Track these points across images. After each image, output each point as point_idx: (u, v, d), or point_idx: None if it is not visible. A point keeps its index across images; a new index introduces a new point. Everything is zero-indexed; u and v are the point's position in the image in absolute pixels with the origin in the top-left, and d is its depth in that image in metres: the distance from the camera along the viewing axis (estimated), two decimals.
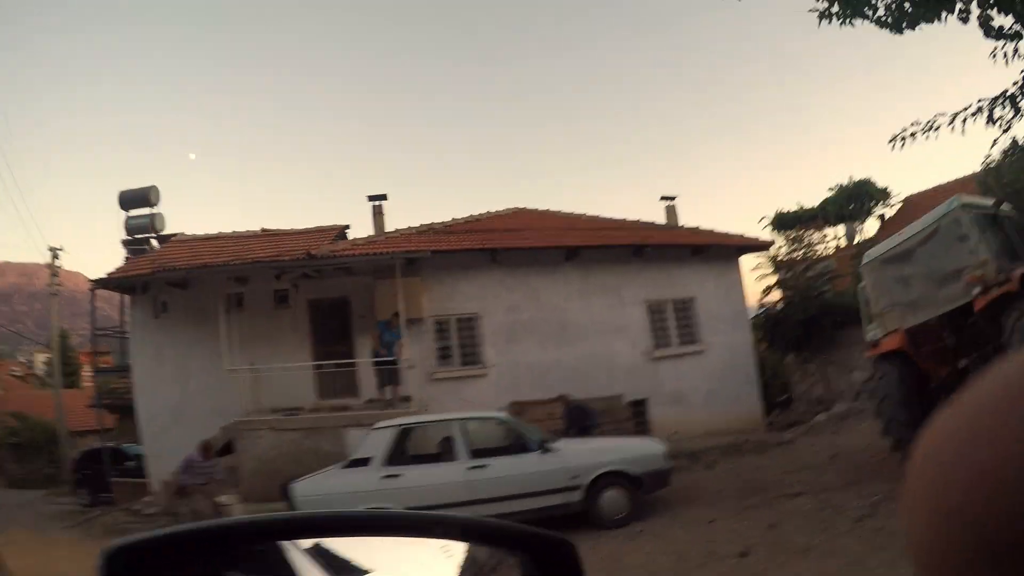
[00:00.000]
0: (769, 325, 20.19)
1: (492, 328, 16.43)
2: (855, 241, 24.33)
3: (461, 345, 16.36)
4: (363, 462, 10.14)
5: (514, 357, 16.33)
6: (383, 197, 18.25)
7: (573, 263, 17.08)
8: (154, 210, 18.79)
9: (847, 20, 7.62)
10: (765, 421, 18.00)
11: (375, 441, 10.43)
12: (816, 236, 22.12)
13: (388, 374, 14.25)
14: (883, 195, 26.40)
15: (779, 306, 20.08)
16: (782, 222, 24.16)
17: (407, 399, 14.43)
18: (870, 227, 26.04)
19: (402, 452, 10.70)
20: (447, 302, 16.21)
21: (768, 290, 20.46)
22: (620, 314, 17.28)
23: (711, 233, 18.96)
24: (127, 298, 17.54)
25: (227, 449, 14.35)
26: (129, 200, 18.75)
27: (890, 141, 8.15)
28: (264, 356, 14.90)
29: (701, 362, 17.51)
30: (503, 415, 11.49)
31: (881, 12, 7.51)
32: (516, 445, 10.45)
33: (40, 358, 55.87)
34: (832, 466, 10.76)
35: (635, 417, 16.46)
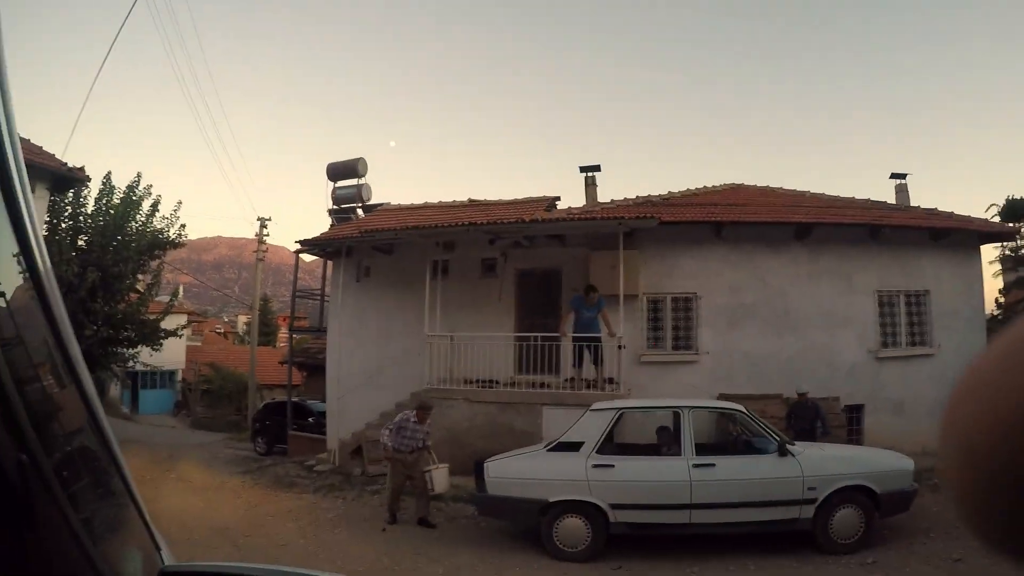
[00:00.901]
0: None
1: (710, 310, 13.83)
2: None
3: (675, 327, 13.86)
4: (573, 446, 8.43)
5: (730, 343, 13.70)
6: (596, 168, 16.19)
7: (803, 242, 14.06)
8: (361, 181, 17.63)
9: None
10: None
11: (589, 424, 8.63)
12: None
13: (592, 353, 12.09)
14: None
15: (1020, 308, 16.59)
16: (1013, 211, 20.33)
17: (611, 381, 12.27)
18: None
19: (618, 439, 8.95)
20: (664, 279, 13.77)
21: (1008, 288, 16.94)
22: (848, 303, 14.13)
23: (951, 216, 15.26)
24: (330, 264, 16.47)
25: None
26: (337, 171, 17.79)
27: None
28: (466, 325, 13.22)
29: (930, 367, 13.89)
30: (742, 407, 8.99)
31: None
32: (748, 444, 8.63)
33: (242, 320, 58.45)
34: None
35: (848, 424, 13.51)
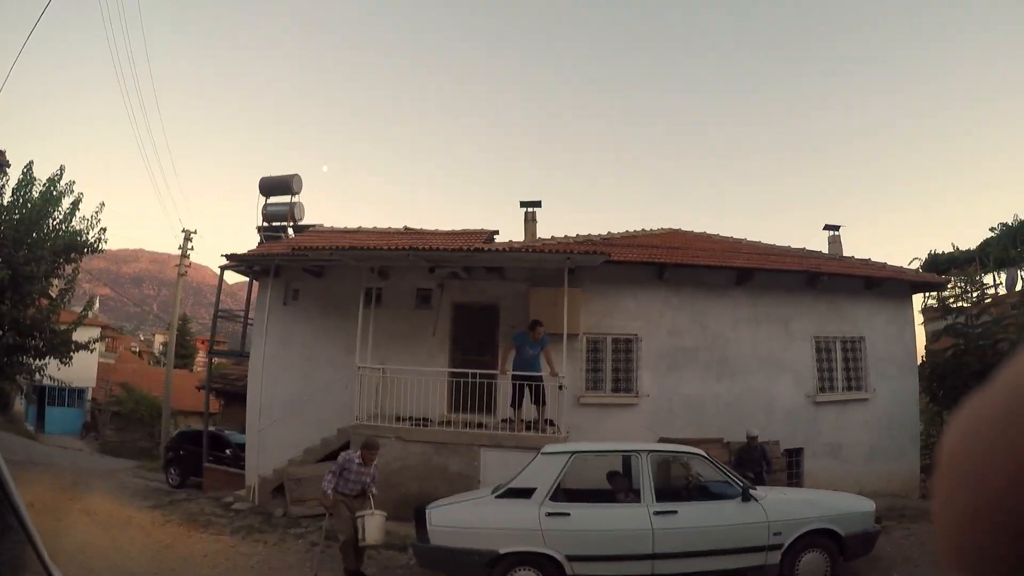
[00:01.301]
0: (936, 376, 16.51)
1: (650, 352, 13.22)
2: (1017, 288, 20.23)
3: (614, 368, 13.19)
4: (524, 493, 7.61)
5: (670, 387, 13.13)
6: (537, 204, 15.44)
7: (743, 287, 13.76)
8: (294, 199, 16.45)
9: None
10: (921, 485, 14.34)
11: (541, 468, 7.78)
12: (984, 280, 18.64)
13: (533, 392, 11.21)
14: None
15: (948, 354, 16.61)
16: (935, 264, 20.59)
17: (550, 423, 11.53)
18: None
19: (573, 486, 8.04)
20: (604, 319, 13.11)
21: (937, 336, 17.02)
22: (786, 349, 13.89)
23: (884, 266, 15.35)
24: (255, 286, 15.25)
25: (337, 453, 11.97)
26: (270, 186, 16.53)
27: None
28: (398, 359, 12.22)
29: (865, 411, 13.95)
30: (702, 451, 8.41)
31: None
32: (710, 489, 7.97)
33: (159, 339, 55.71)
34: None
35: (788, 468, 13.26)
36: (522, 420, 11.30)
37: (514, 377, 11.18)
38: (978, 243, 23.16)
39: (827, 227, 16.88)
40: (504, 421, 11.64)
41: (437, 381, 11.94)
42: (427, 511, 7.64)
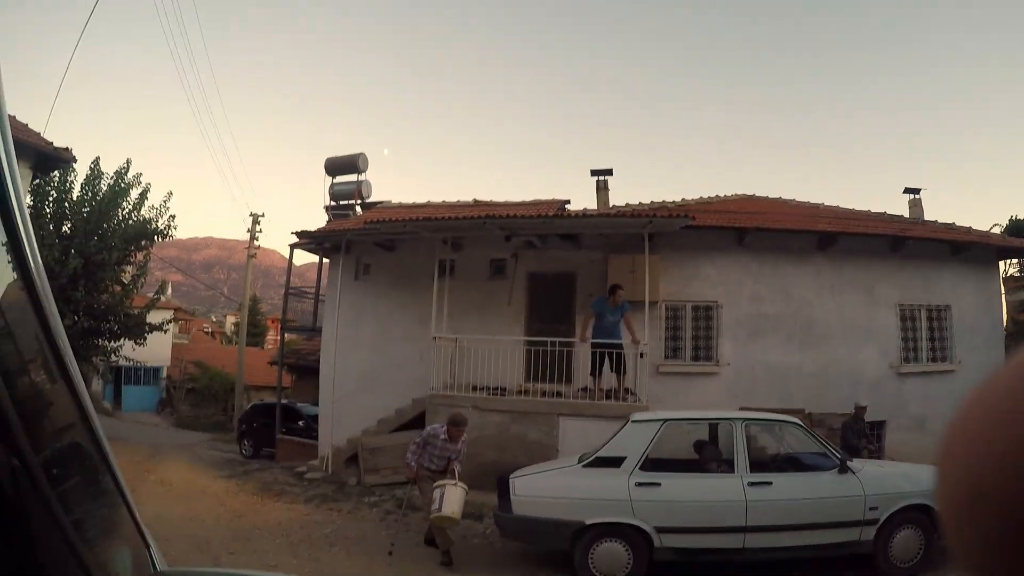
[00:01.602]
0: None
1: (731, 320, 12.70)
2: None
3: (694, 336, 12.71)
4: (613, 462, 7.22)
5: (752, 356, 12.58)
6: (608, 172, 14.91)
7: (825, 253, 13.05)
8: (361, 177, 16.28)
9: None
10: None
11: (631, 437, 7.37)
12: None
13: (613, 361, 10.84)
14: None
15: None
16: (1017, 231, 19.46)
17: (630, 392, 11.10)
18: None
19: (663, 455, 7.59)
20: (683, 287, 12.59)
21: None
22: (870, 317, 13.13)
23: (969, 231, 14.38)
24: (326, 263, 15.11)
25: (417, 423, 11.57)
26: (336, 166, 16.39)
27: None
28: (472, 330, 11.91)
29: (951, 383, 12.97)
30: (798, 420, 7.99)
31: None
32: (805, 460, 7.52)
33: (230, 320, 56.70)
34: None
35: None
36: (601, 389, 10.92)
37: (593, 345, 10.78)
38: None
39: (907, 190, 16.01)
40: (582, 390, 11.29)
41: (513, 350, 11.61)
42: (510, 480, 7.35)
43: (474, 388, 11.46)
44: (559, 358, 11.07)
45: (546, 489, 7.26)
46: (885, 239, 13.31)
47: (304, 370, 21.60)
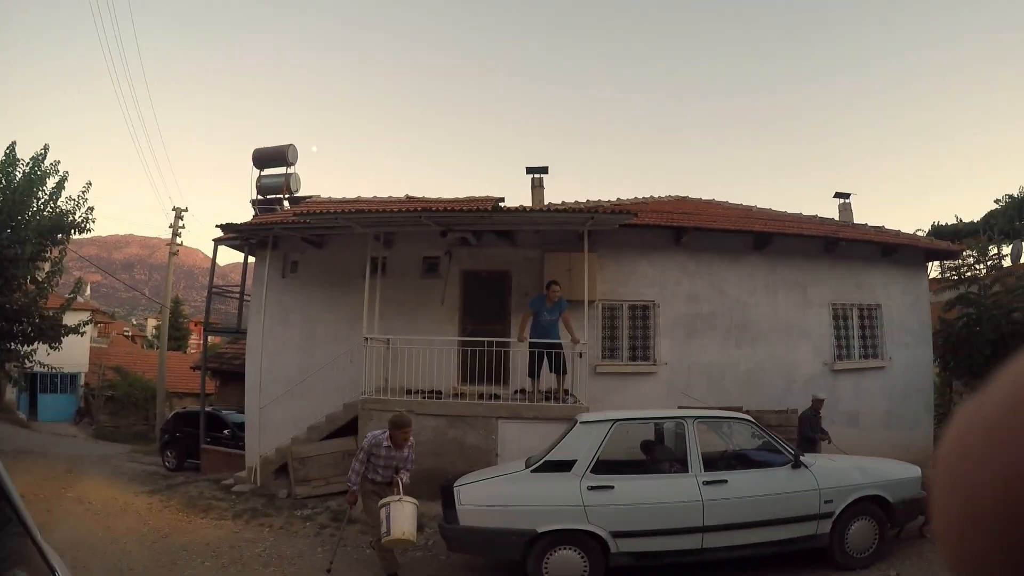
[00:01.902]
0: (949, 345, 15.94)
1: (668, 319, 12.46)
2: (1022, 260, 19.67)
3: (632, 336, 12.42)
4: (563, 465, 6.82)
5: (689, 355, 12.39)
6: (544, 170, 14.49)
7: (760, 253, 13.02)
8: (290, 170, 15.40)
9: None
10: (934, 454, 13.74)
11: (580, 439, 6.98)
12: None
13: (553, 361, 10.39)
14: None
15: (960, 324, 16.08)
16: (939, 236, 19.91)
17: (568, 393, 10.71)
18: None
19: (614, 456, 7.24)
20: (621, 286, 12.26)
21: (950, 306, 16.43)
22: (804, 316, 13.22)
23: (898, 234, 14.74)
24: (251, 262, 14.27)
25: (349, 429, 11.06)
26: (264, 158, 15.41)
27: None
28: (404, 330, 11.21)
29: (882, 379, 13.40)
30: (749, 416, 7.90)
31: None
32: (759, 456, 7.31)
33: (151, 323, 54.44)
34: None
35: None
36: (540, 391, 10.51)
37: (532, 345, 10.35)
38: (982, 215, 22.69)
39: (838, 194, 16.25)
40: (519, 392, 10.88)
41: (446, 351, 11.06)
42: (455, 489, 6.83)
43: (408, 392, 10.86)
44: (495, 359, 10.58)
45: (494, 497, 6.82)
46: (818, 240, 13.44)
47: (229, 375, 20.45)
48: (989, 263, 17.35)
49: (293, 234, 12.35)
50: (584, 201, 14.13)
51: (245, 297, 15.02)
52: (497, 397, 10.58)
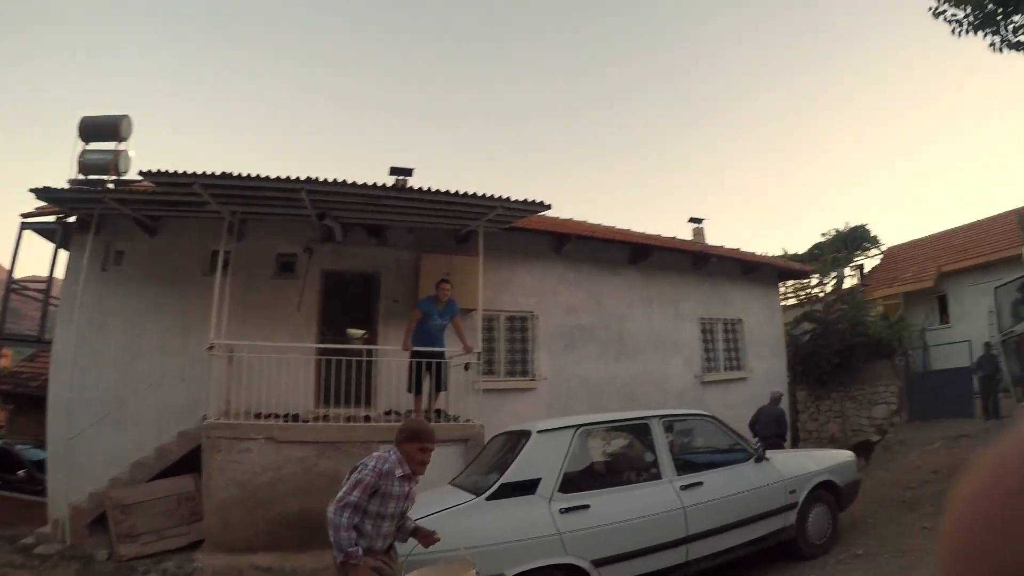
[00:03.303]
0: (798, 357, 16.63)
1: (547, 331, 11.46)
2: (845, 285, 20.91)
3: (510, 349, 11.23)
4: (524, 487, 5.29)
5: (568, 368, 11.42)
6: (408, 172, 12.80)
7: (636, 267, 12.62)
8: (121, 147, 12.35)
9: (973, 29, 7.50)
10: None
11: (540, 452, 5.49)
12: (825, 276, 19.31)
13: (435, 373, 8.78)
14: (875, 243, 23.50)
15: (805, 338, 17.03)
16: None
17: (440, 413, 9.25)
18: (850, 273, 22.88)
19: (583, 470, 6.02)
20: (499, 294, 11.01)
21: (799, 321, 17.29)
22: (677, 329, 13.00)
23: (753, 255, 15.05)
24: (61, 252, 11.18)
25: (186, 465, 8.62)
26: (92, 128, 12.21)
27: None
28: (250, 339, 8.95)
29: (744, 389, 13.53)
30: (711, 414, 7.18)
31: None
32: (724, 455, 6.63)
33: None
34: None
35: None
36: (422, 409, 9.00)
37: (415, 354, 8.72)
38: (808, 247, 24.00)
39: (692, 220, 16.58)
40: (390, 413, 9.23)
41: (304, 366, 9.17)
42: None
43: (256, 415, 8.72)
44: (360, 374, 8.86)
45: (445, 540, 4.42)
46: (688, 256, 13.49)
47: (25, 400, 16.54)
48: (830, 285, 18.55)
49: (125, 211, 9.60)
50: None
51: (52, 300, 12.14)
52: (368, 419, 8.84)
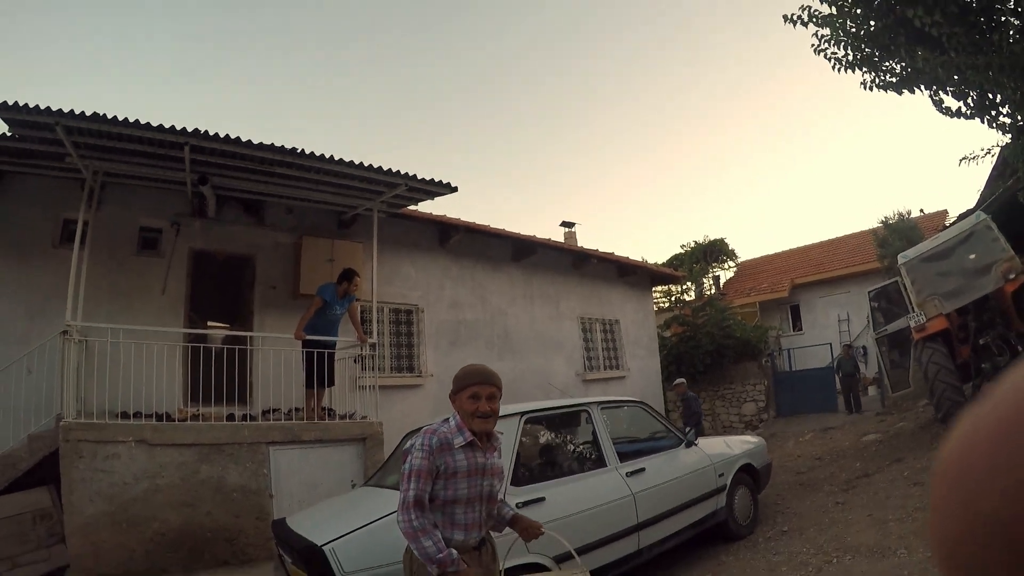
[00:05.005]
0: (671, 357, 17.24)
1: (432, 326, 11.01)
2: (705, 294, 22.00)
3: (395, 344, 10.63)
4: None
5: (454, 366, 10.55)
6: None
7: (518, 264, 12.56)
8: None
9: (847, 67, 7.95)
10: None
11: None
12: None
13: (327, 367, 8.05)
14: (732, 256, 24.73)
15: (675, 340, 17.72)
16: None
17: (328, 410, 8.61)
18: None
19: (535, 460, 5.75)
20: (382, 285, 10.15)
21: (670, 324, 17.94)
22: (558, 328, 13.03)
23: (629, 259, 15.38)
24: None
25: (39, 476, 7.13)
26: None
27: (961, 160, 8.97)
28: (108, 324, 7.53)
29: (623, 387, 13.80)
30: (643, 401, 7.16)
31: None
32: (656, 441, 6.59)
33: None
34: None
35: None
36: (323, 406, 8.35)
37: (309, 344, 7.94)
38: (667, 257, 24.97)
39: (564, 223, 16.77)
40: (270, 412, 8.26)
41: (168, 356, 7.86)
42: (326, 550, 4.00)
43: (118, 415, 7.53)
44: (230, 369, 7.97)
45: (389, 551, 3.81)
46: (568, 256, 13.63)
47: None
48: (694, 292, 19.48)
49: None
50: None
51: None
52: (249, 419, 7.94)
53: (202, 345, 7.86)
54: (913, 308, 9.52)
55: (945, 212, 19.19)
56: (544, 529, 3.33)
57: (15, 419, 7.37)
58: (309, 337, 7.92)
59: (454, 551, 2.83)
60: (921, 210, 19.67)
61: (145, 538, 6.48)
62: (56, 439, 6.75)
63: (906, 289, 9.95)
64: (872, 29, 7.71)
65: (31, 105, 6.16)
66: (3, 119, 6.35)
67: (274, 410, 8.29)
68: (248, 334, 8.73)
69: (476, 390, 3.09)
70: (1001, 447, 0.34)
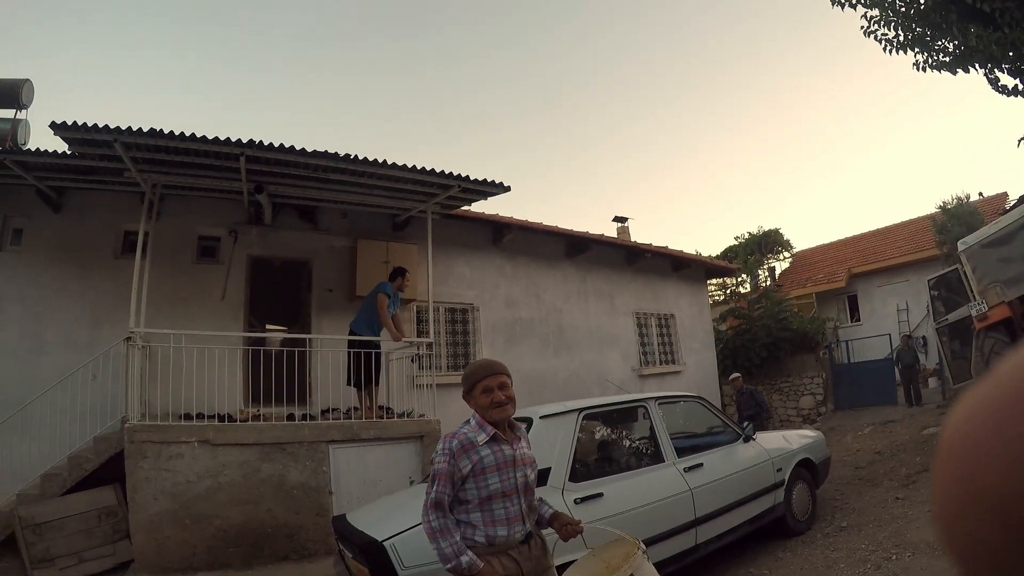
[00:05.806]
0: (727, 350, 16.84)
1: (488, 324, 10.92)
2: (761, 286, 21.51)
3: (451, 343, 10.58)
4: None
5: (510, 363, 10.24)
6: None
7: (572, 261, 12.35)
8: (21, 114, 10.21)
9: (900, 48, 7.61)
10: None
11: (547, 439, 4.82)
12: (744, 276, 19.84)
13: (373, 366, 7.95)
14: (787, 247, 24.15)
15: (731, 333, 17.32)
16: None
17: (384, 409, 8.52)
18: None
19: (592, 457, 5.54)
20: (437, 285, 10.13)
21: (725, 316, 17.55)
22: (613, 323, 12.78)
23: (683, 253, 15.06)
24: None
25: (106, 475, 7.29)
26: None
27: (1020, 140, 8.11)
28: (168, 329, 7.66)
29: (679, 382, 13.55)
30: (701, 396, 6.95)
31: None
32: (715, 435, 6.40)
33: None
34: None
35: None
36: (380, 405, 8.33)
37: (353, 344, 7.90)
38: (721, 249, 24.44)
39: (617, 218, 16.58)
40: (329, 412, 8.30)
41: (229, 360, 7.91)
42: (388, 546, 4.02)
43: (181, 417, 7.61)
44: (289, 370, 7.88)
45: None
46: (622, 252, 13.39)
47: None
48: (749, 284, 18.97)
49: (29, 179, 7.98)
50: None
51: None
52: (308, 418, 7.97)
53: (261, 348, 8.09)
54: (974, 296, 9.13)
55: (1005, 195, 18.26)
56: (584, 525, 3.19)
57: (82, 421, 7.64)
58: (364, 337, 7.86)
59: (470, 556, 2.75)
60: (980, 193, 18.59)
61: (207, 534, 6.58)
62: (121, 440, 6.96)
63: (967, 276, 9.55)
64: (922, 7, 7.41)
65: (89, 124, 6.25)
66: (63, 138, 6.45)
67: (333, 409, 8.38)
68: (306, 336, 8.72)
69: (486, 383, 3.03)
70: (1001, 425, 0.34)
